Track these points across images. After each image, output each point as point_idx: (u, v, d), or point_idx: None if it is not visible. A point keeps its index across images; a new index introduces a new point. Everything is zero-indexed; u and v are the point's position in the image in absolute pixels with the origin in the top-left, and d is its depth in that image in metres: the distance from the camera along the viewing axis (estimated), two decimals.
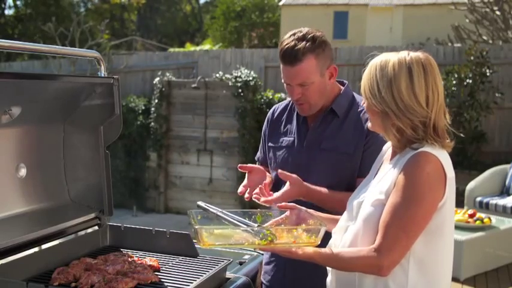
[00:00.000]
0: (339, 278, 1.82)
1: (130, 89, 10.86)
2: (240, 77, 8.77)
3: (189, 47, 21.75)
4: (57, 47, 2.24)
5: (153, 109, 9.35)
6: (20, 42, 1.95)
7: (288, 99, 2.47)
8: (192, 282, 1.85)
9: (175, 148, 9.34)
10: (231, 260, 2.09)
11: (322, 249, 1.75)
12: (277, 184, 2.32)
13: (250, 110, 8.67)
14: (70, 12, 19.91)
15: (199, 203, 2.03)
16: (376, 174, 1.86)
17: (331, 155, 2.23)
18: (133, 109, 9.76)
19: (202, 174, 9.09)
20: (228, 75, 9.00)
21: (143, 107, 9.71)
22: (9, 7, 28.08)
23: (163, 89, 9.18)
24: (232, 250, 2.36)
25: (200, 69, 10.27)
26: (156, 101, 9.27)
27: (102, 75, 2.24)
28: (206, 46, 20.54)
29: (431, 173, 1.66)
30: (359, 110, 2.26)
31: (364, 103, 1.79)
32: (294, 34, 2.19)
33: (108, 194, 2.28)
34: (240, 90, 8.67)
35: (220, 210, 1.97)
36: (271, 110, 2.50)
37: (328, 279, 1.90)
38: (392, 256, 1.65)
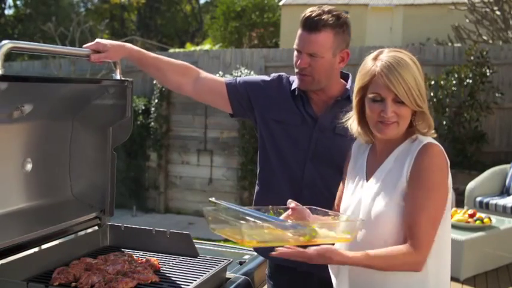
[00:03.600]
0: (356, 281, 1.80)
1: None
2: (240, 76, 8.76)
3: (189, 47, 21.73)
4: (72, 48, 2.22)
5: (153, 109, 9.35)
6: (38, 43, 1.97)
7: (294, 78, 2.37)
8: (192, 282, 1.85)
9: (176, 148, 9.34)
10: (231, 260, 2.09)
11: (357, 253, 1.70)
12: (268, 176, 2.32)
13: None
14: (70, 12, 19.93)
15: (212, 199, 1.89)
16: (365, 172, 1.87)
17: (344, 140, 2.16)
18: (134, 109, 9.71)
19: (203, 174, 9.08)
20: (228, 75, 9.00)
21: (143, 107, 9.70)
22: (9, 7, 28.08)
23: (163, 89, 9.17)
24: (233, 250, 2.36)
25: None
26: (156, 101, 9.27)
27: (118, 77, 2.22)
28: (206, 46, 20.52)
29: (443, 162, 1.73)
30: None
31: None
32: (320, 7, 2.19)
33: (111, 195, 2.28)
34: None
35: (237, 206, 1.86)
36: (281, 76, 2.38)
37: (336, 283, 1.87)
38: (426, 250, 1.69)
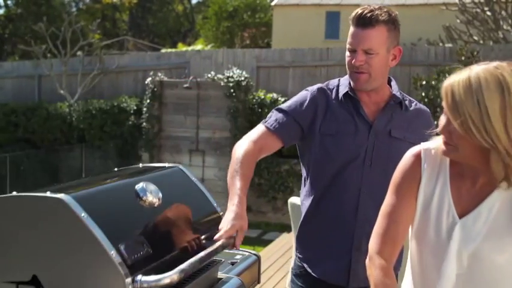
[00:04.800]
0: None
1: (122, 89, 10.83)
2: (232, 77, 8.77)
3: (181, 47, 21.72)
4: (213, 248, 1.92)
5: (145, 109, 9.33)
6: None
7: (339, 83, 2.28)
8: (184, 283, 1.85)
9: (167, 148, 9.33)
10: (223, 260, 2.09)
11: None
12: (330, 186, 2.21)
13: (242, 110, 8.66)
14: (61, 12, 19.84)
15: None
16: (454, 205, 1.56)
17: (401, 144, 2.09)
18: (125, 109, 9.73)
19: (194, 174, 9.06)
20: (220, 76, 8.99)
21: (135, 107, 9.69)
22: (0, 7, 27.94)
23: (155, 89, 9.16)
24: (224, 251, 2.35)
25: (192, 70, 10.25)
26: (148, 101, 9.25)
27: None
28: (198, 46, 20.52)
29: None
30: (414, 103, 2.25)
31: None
32: (369, 6, 2.16)
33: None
34: (232, 91, 8.67)
35: None
36: (321, 88, 2.27)
37: None
38: None
